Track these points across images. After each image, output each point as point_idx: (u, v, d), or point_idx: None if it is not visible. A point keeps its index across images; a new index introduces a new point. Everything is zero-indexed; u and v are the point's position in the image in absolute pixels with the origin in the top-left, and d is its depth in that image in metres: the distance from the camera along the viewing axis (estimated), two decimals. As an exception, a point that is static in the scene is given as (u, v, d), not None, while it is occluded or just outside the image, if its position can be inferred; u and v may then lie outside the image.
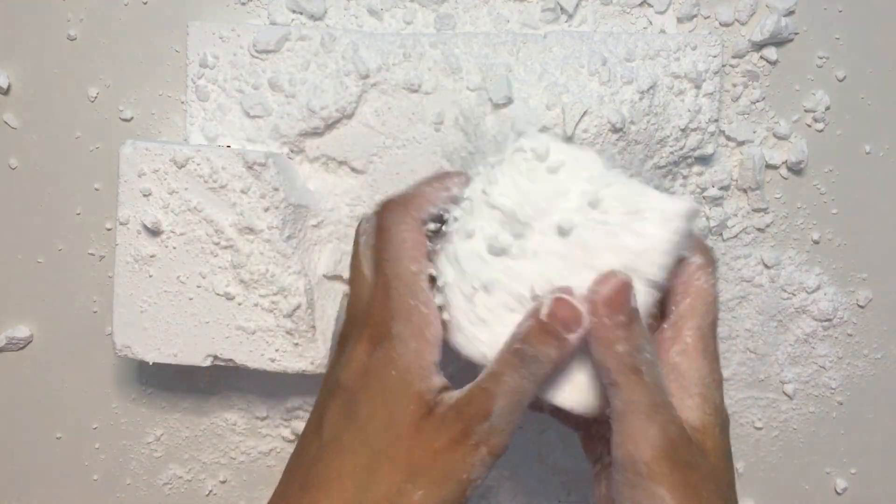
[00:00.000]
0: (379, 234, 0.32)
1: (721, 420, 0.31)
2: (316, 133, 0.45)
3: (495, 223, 0.32)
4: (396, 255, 0.31)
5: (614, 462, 0.30)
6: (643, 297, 0.30)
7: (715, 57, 0.45)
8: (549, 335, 0.28)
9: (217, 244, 0.42)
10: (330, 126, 0.45)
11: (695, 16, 0.47)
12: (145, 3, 0.47)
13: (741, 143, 0.49)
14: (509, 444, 0.30)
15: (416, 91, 0.44)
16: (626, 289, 0.28)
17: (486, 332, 0.31)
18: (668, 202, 0.30)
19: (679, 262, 0.32)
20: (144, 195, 0.42)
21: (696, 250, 0.33)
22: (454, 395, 0.30)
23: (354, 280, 0.34)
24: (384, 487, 0.29)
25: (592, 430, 0.37)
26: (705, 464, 0.29)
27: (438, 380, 0.31)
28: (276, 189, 0.41)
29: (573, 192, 0.31)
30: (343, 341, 0.33)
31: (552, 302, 0.29)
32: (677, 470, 0.28)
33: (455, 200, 0.34)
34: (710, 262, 0.33)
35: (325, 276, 0.44)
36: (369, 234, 0.34)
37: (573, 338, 0.29)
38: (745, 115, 0.49)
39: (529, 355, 0.29)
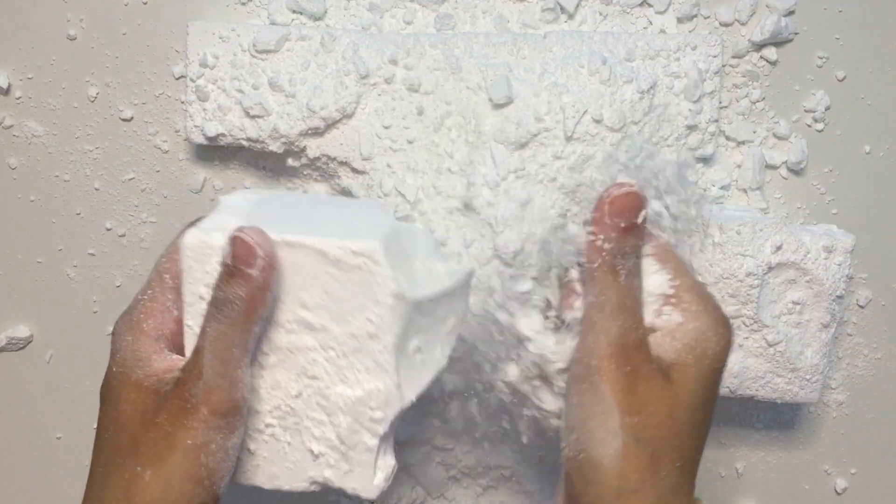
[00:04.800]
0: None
1: (702, 368, 0.31)
2: (316, 133, 0.45)
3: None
4: (161, 258, 0.33)
5: (573, 356, 0.32)
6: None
7: (715, 57, 0.45)
8: (234, 276, 0.29)
9: None
10: (330, 126, 0.45)
11: (695, 16, 0.47)
12: (145, 3, 0.47)
13: (741, 143, 0.49)
14: (237, 401, 0.30)
15: (416, 91, 0.44)
16: (633, 199, 0.31)
17: None
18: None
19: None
20: None
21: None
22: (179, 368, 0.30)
23: None
24: (116, 481, 0.30)
25: None
26: (661, 385, 0.31)
27: (162, 362, 0.31)
28: None
29: None
30: None
31: (230, 242, 0.29)
32: (624, 374, 0.30)
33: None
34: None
35: None
36: None
37: (256, 272, 0.29)
38: (745, 115, 0.49)
39: (221, 299, 0.29)
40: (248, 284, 0.29)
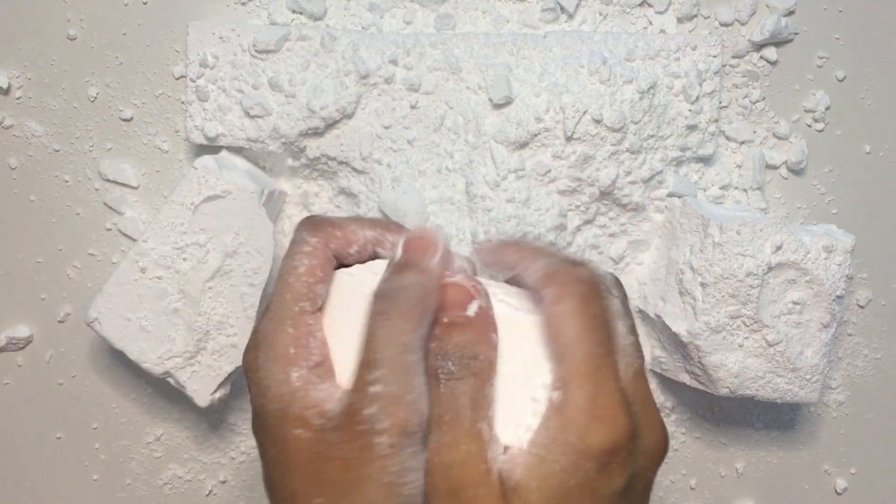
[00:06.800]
0: (287, 250, 0.30)
1: (547, 491, 0.25)
2: (316, 133, 0.45)
3: None
4: (285, 274, 0.29)
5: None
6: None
7: (715, 57, 0.45)
8: (408, 265, 0.27)
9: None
10: (330, 126, 0.45)
11: (695, 16, 0.47)
12: (145, 3, 0.47)
13: (741, 143, 0.49)
14: (426, 415, 0.25)
15: (416, 91, 0.44)
16: (457, 292, 0.27)
17: None
18: None
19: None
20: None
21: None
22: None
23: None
24: None
25: None
26: None
27: (321, 393, 0.27)
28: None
29: None
30: None
31: (404, 242, 0.28)
32: None
33: (377, 254, 0.31)
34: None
35: None
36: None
37: (433, 263, 0.27)
38: (745, 115, 0.49)
39: (394, 287, 0.27)
40: (427, 275, 0.27)
